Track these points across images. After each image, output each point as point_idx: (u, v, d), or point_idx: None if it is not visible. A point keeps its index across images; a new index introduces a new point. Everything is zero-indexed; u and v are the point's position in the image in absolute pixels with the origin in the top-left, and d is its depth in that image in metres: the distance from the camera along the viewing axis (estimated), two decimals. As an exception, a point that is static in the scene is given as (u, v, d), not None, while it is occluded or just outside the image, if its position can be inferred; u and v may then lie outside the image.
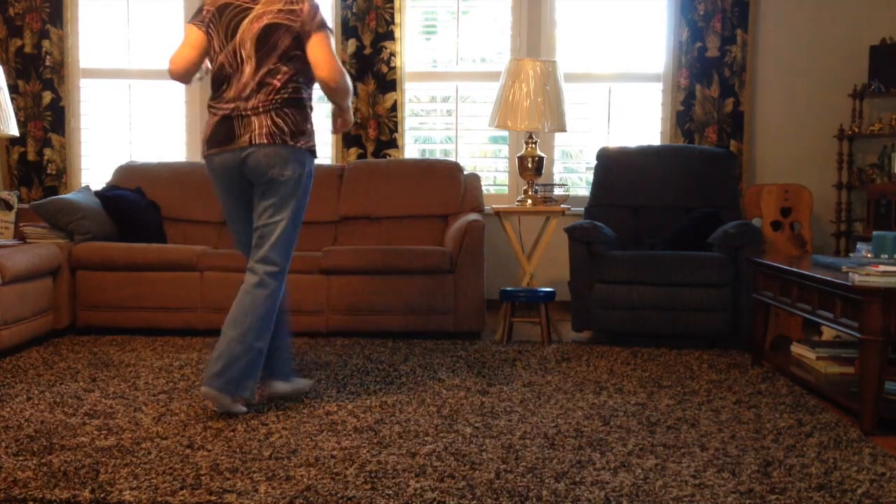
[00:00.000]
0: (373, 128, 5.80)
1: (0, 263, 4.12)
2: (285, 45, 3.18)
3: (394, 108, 5.78)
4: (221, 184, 3.29)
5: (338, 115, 3.44)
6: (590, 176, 5.68)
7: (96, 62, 6.05)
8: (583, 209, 5.41)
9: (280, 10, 3.17)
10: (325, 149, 5.89)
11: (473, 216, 4.96)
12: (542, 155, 5.30)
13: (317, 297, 4.73)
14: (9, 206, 4.91)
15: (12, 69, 5.83)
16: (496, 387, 3.69)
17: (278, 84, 3.18)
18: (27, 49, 5.85)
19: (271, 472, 2.58)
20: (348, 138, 5.83)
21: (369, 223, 5.43)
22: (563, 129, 5.27)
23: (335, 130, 3.52)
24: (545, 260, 5.57)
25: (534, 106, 5.09)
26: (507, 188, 6.02)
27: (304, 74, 3.24)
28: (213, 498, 2.37)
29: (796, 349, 4.18)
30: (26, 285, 4.38)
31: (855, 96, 5.58)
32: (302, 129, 3.22)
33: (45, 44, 5.84)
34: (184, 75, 3.31)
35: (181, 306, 4.81)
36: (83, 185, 5.77)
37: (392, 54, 5.75)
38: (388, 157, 5.78)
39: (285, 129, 3.17)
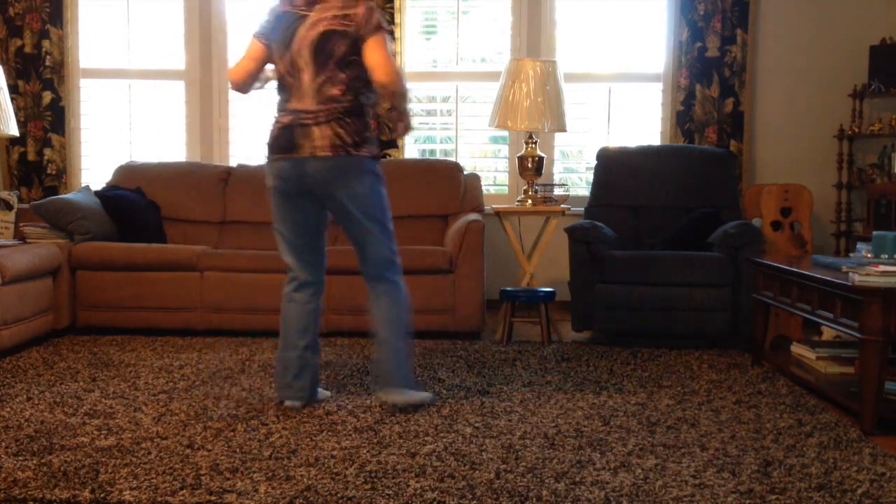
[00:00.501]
0: (373, 128, 5.79)
1: (0, 263, 4.12)
2: (342, 51, 3.15)
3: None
4: (278, 189, 3.26)
5: (397, 118, 3.38)
6: (590, 176, 5.68)
7: (96, 62, 6.05)
8: (583, 209, 5.40)
9: (335, 16, 3.15)
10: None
11: (473, 216, 4.96)
12: (542, 155, 5.30)
13: (317, 297, 4.73)
14: (9, 206, 4.91)
15: (12, 69, 5.83)
16: (496, 387, 3.69)
17: (338, 92, 3.16)
18: (27, 49, 5.85)
19: (271, 472, 2.58)
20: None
21: (369, 223, 5.41)
22: (563, 129, 5.27)
23: (396, 135, 3.48)
24: (545, 260, 5.56)
25: (534, 106, 5.09)
26: (507, 188, 6.02)
27: (362, 80, 3.21)
28: (213, 498, 2.37)
29: (796, 349, 4.18)
30: (26, 285, 4.38)
31: (855, 96, 5.58)
32: (364, 137, 3.21)
33: (45, 44, 5.84)
34: (242, 86, 3.33)
35: (181, 306, 4.81)
36: (83, 185, 5.76)
37: (392, 54, 5.73)
38: (387, 157, 5.78)
39: (347, 139, 3.16)
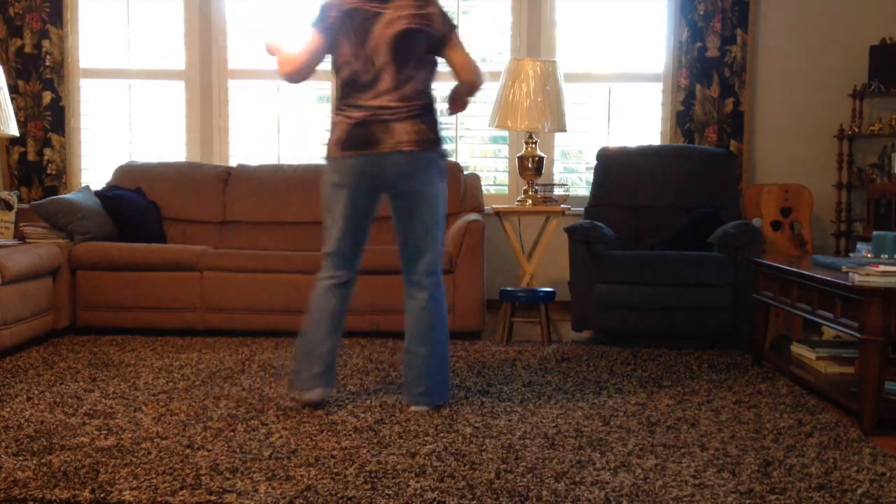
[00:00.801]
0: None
1: (0, 263, 4.12)
2: (420, 50, 3.19)
3: (394, 108, 5.77)
4: (346, 186, 3.22)
5: (458, 100, 3.43)
6: (590, 176, 5.68)
7: (96, 62, 6.04)
8: (583, 209, 5.40)
9: (413, 15, 3.16)
10: (323, 148, 5.88)
11: (473, 216, 4.96)
12: (542, 155, 5.30)
13: (317, 297, 4.73)
14: (9, 206, 4.92)
15: (12, 69, 5.83)
16: (496, 387, 3.69)
17: (416, 90, 3.19)
18: (27, 49, 5.85)
19: (271, 472, 2.58)
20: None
21: (369, 223, 5.42)
22: (563, 129, 5.27)
23: (451, 112, 3.52)
24: (545, 260, 5.56)
25: (534, 106, 5.09)
26: (507, 188, 6.02)
27: (434, 77, 3.28)
28: (213, 498, 2.37)
29: (796, 349, 4.18)
30: (26, 285, 4.38)
31: (855, 96, 5.58)
32: (440, 135, 3.26)
33: (45, 44, 5.84)
34: (297, 77, 3.32)
35: (181, 306, 4.81)
36: (83, 185, 5.77)
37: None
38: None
39: (426, 136, 3.19)
